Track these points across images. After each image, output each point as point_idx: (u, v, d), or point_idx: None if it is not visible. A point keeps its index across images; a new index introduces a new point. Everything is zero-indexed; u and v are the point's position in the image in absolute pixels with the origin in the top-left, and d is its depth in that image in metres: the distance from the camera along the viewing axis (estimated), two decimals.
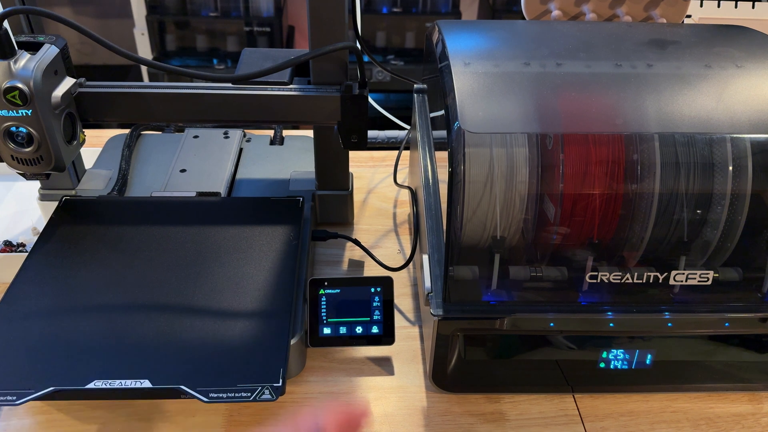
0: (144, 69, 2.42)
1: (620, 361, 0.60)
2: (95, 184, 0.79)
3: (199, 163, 0.83)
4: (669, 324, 0.56)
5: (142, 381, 0.52)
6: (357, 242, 0.77)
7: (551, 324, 0.56)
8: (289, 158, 0.87)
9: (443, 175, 0.57)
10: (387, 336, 0.63)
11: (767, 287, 0.57)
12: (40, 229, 0.68)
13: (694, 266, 0.57)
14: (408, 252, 0.80)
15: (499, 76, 0.57)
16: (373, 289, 0.63)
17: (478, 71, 0.56)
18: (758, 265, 0.57)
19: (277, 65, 0.65)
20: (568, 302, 0.57)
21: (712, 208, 0.56)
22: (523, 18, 0.75)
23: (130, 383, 0.52)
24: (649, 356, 0.60)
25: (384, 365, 0.65)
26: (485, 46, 0.63)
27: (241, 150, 0.88)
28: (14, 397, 0.50)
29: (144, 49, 2.34)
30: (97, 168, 0.82)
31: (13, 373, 0.53)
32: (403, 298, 0.73)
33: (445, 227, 0.55)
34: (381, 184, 0.93)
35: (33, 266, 0.63)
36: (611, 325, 0.56)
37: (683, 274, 0.56)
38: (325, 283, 0.63)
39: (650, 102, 0.54)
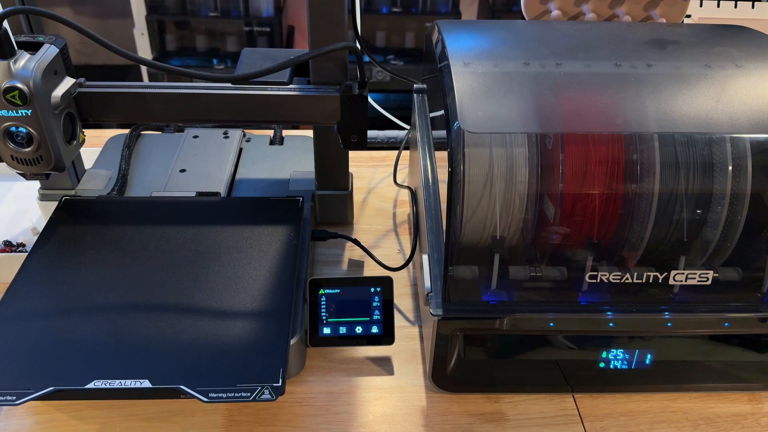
0: (144, 69, 2.42)
1: (620, 361, 0.60)
2: (95, 184, 0.79)
3: (198, 163, 0.83)
4: (669, 324, 0.56)
5: (142, 381, 0.52)
6: (357, 242, 0.77)
7: (551, 324, 0.56)
8: (288, 158, 0.87)
9: (443, 175, 0.57)
10: (387, 336, 0.63)
11: (767, 287, 0.57)
12: (40, 229, 0.68)
13: (693, 266, 0.57)
14: (408, 252, 0.80)
15: (499, 76, 0.57)
16: (372, 289, 0.63)
17: (477, 71, 0.56)
18: (758, 265, 0.57)
19: (276, 65, 0.65)
20: (567, 302, 0.57)
21: (711, 208, 0.56)
22: (523, 18, 0.75)
23: (130, 383, 0.52)
24: (648, 356, 0.60)
25: (384, 365, 0.65)
26: (485, 46, 0.63)
27: (240, 150, 0.88)
28: (14, 397, 0.50)
29: (144, 49, 2.34)
30: (97, 168, 0.82)
31: (13, 373, 0.53)
32: (403, 298, 0.73)
33: (444, 227, 0.55)
34: (381, 184, 0.93)
35: (33, 266, 0.63)
36: (611, 325, 0.56)
37: (683, 274, 0.56)
38: (325, 283, 0.63)
39: (650, 102, 0.54)
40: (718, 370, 0.61)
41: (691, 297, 0.57)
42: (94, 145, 0.88)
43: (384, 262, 0.73)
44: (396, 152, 0.88)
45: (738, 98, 0.55)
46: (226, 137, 0.89)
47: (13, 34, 0.60)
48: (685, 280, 0.56)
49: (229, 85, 0.68)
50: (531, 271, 0.57)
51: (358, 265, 0.78)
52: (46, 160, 0.64)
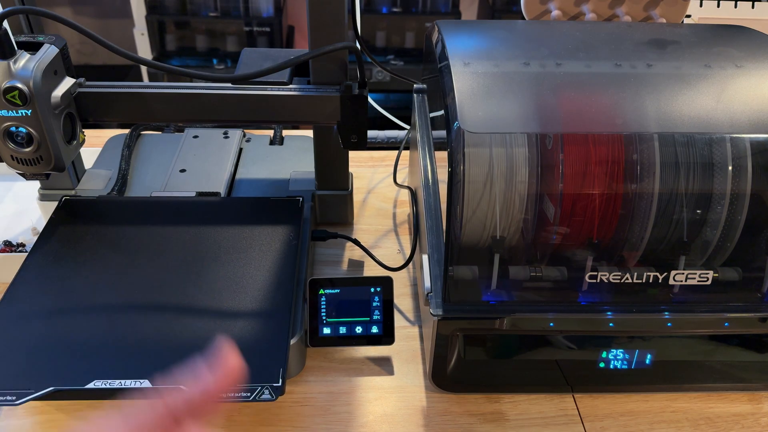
0: (144, 69, 2.42)
1: (620, 361, 0.60)
2: (95, 184, 0.79)
3: (198, 163, 0.83)
4: (669, 324, 0.56)
5: (142, 381, 0.52)
6: (357, 242, 0.77)
7: (551, 324, 0.56)
8: (288, 158, 0.87)
9: (443, 175, 0.57)
10: (387, 336, 0.63)
11: (767, 287, 0.57)
12: (40, 229, 0.68)
13: (693, 266, 0.57)
14: (408, 252, 0.80)
15: (499, 76, 0.57)
16: (372, 289, 0.63)
17: (477, 71, 0.56)
18: (758, 265, 0.57)
19: (276, 65, 0.65)
20: (567, 302, 0.57)
21: (711, 208, 0.56)
22: (523, 18, 0.75)
23: (130, 383, 0.52)
24: (648, 356, 0.60)
25: (384, 365, 0.65)
26: (485, 46, 0.63)
27: (240, 150, 0.88)
28: (14, 397, 0.50)
29: (144, 49, 2.34)
30: (97, 168, 0.82)
31: (13, 373, 0.53)
32: (403, 298, 0.73)
33: (444, 227, 0.55)
34: (381, 184, 0.93)
35: (33, 266, 0.63)
36: (611, 325, 0.56)
37: (683, 274, 0.56)
38: (325, 283, 0.63)
39: (650, 102, 0.54)
40: (718, 370, 0.61)
41: (691, 297, 0.57)
42: (94, 145, 0.88)
43: (384, 262, 0.73)
44: (396, 152, 0.88)
45: (738, 98, 0.55)
46: (226, 137, 0.89)
47: (13, 34, 0.60)
48: (685, 280, 0.56)
49: (229, 85, 0.68)
50: (531, 271, 0.57)
51: (358, 265, 0.78)
52: (46, 160, 0.64)
